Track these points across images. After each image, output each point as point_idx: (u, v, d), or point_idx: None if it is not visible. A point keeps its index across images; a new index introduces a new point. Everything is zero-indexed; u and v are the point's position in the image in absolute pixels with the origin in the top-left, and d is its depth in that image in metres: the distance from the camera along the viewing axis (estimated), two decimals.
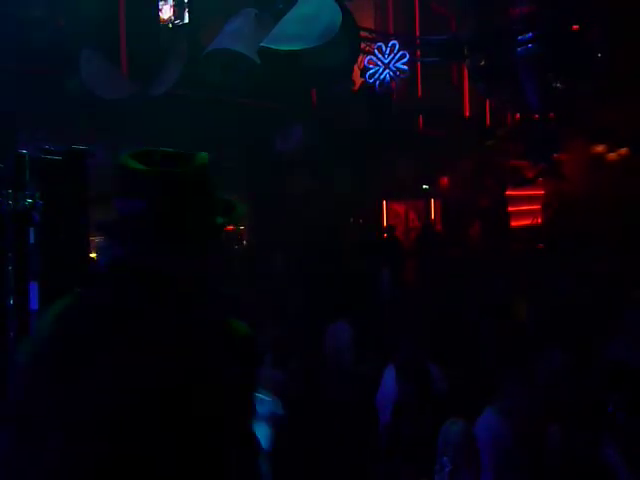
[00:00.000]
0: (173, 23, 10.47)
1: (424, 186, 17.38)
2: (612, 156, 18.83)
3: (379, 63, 10.19)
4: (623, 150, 18.72)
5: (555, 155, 15.17)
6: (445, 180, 18.06)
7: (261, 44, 7.02)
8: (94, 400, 1.28)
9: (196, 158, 1.46)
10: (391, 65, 10.09)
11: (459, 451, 3.26)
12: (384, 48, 10.24)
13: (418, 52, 12.69)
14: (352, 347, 5.88)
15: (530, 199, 20.03)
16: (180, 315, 1.37)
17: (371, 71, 10.20)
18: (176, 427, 1.30)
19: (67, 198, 3.42)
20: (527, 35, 11.20)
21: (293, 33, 6.78)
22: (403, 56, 10.12)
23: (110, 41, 9.94)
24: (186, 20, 10.21)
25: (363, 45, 10.89)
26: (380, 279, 8.54)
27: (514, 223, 18.19)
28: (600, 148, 18.73)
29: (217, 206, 1.45)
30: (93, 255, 8.29)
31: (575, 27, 11.17)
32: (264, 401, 1.71)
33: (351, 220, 15.44)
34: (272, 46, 6.93)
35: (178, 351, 1.32)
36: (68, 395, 1.29)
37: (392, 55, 10.12)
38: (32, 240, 2.88)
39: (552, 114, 12.39)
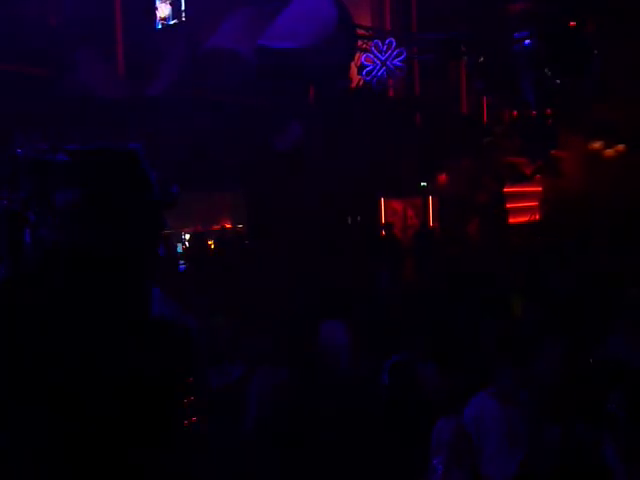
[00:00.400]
0: (169, 22, 10.45)
1: (422, 183, 17.38)
2: (609, 152, 18.86)
3: (376, 60, 10.19)
4: (620, 147, 18.74)
5: (552, 152, 15.19)
6: (443, 177, 18.06)
7: (257, 42, 7.02)
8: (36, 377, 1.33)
9: (123, 148, 1.54)
10: (388, 62, 10.09)
11: (452, 450, 3.25)
12: (381, 45, 10.24)
13: (415, 49, 12.69)
14: (349, 347, 5.86)
15: (528, 196, 20.05)
16: (111, 297, 1.42)
17: (368, 68, 10.21)
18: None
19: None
20: (524, 32, 11.21)
21: (289, 31, 6.78)
22: (400, 53, 10.12)
23: (106, 41, 9.91)
24: (182, 19, 10.20)
25: (360, 43, 10.88)
26: (378, 278, 8.54)
27: (512, 220, 18.20)
28: (597, 145, 18.75)
29: (147, 188, 1.50)
30: None
31: (572, 24, 11.18)
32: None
33: (349, 218, 15.44)
34: (268, 44, 6.93)
35: (105, 333, 1.37)
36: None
37: (389, 52, 10.12)
38: (28, 240, 2.86)
39: (549, 111, 12.40)
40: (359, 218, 15.73)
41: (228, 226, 14.65)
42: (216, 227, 14.25)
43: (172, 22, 10.41)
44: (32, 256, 1.49)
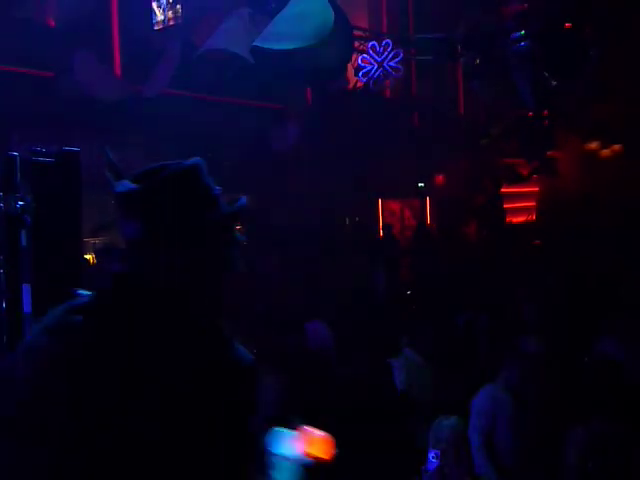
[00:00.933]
0: (166, 24, 10.45)
1: (419, 184, 17.39)
2: (606, 153, 18.88)
3: (373, 62, 10.20)
4: (617, 147, 18.76)
5: (549, 152, 15.22)
6: (440, 178, 18.08)
7: (254, 44, 7.02)
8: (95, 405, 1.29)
9: (184, 167, 1.47)
10: (385, 64, 10.10)
11: (450, 446, 3.25)
12: (378, 47, 10.25)
13: (412, 51, 12.71)
14: (334, 347, 5.88)
15: (525, 196, 20.07)
16: (177, 331, 1.36)
17: (365, 70, 10.21)
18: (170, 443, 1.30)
19: (59, 200, 3.41)
20: (520, 33, 11.23)
21: (285, 32, 6.78)
22: (397, 55, 10.13)
23: (103, 42, 9.92)
24: (179, 20, 10.20)
25: (357, 44, 10.89)
26: (376, 279, 8.56)
27: (510, 220, 18.21)
28: (594, 145, 18.77)
29: (212, 206, 1.44)
30: (88, 257, 8.30)
31: (567, 25, 11.20)
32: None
33: (347, 219, 15.45)
34: (265, 46, 6.93)
35: (175, 367, 1.32)
36: (71, 402, 1.29)
37: (386, 54, 10.13)
38: (24, 243, 2.87)
39: (546, 112, 12.42)
40: (357, 219, 15.74)
41: None
42: None
43: (169, 24, 10.40)
44: (104, 287, 1.45)
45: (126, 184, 1.42)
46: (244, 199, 1.50)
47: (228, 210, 1.47)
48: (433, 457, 3.12)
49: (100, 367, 1.30)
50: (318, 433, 1.75)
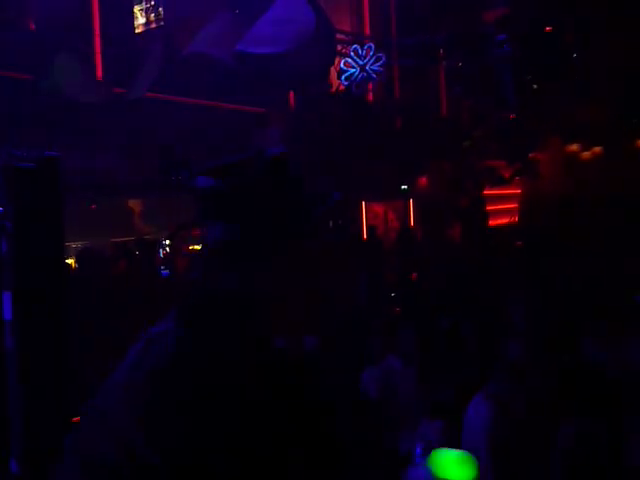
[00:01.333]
0: (148, 27, 10.42)
1: (403, 187, 17.45)
2: (587, 155, 19.06)
3: (355, 65, 10.23)
4: (598, 149, 18.95)
5: (531, 154, 15.34)
6: (423, 180, 18.15)
7: (235, 48, 7.02)
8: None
9: (267, 158, 1.29)
10: (367, 67, 10.13)
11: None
12: (360, 50, 10.29)
13: (395, 54, 12.76)
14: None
15: (507, 198, 20.20)
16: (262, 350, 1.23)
17: (347, 73, 10.24)
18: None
19: (40, 205, 3.39)
20: (502, 36, 11.32)
21: (267, 36, 6.79)
22: (379, 58, 10.17)
23: (85, 44, 9.86)
24: (161, 24, 10.17)
25: (339, 47, 10.92)
26: (358, 280, 8.57)
27: (492, 222, 18.32)
28: (575, 147, 18.94)
29: (305, 204, 1.29)
30: (70, 261, 8.23)
31: (549, 28, 11.32)
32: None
33: (330, 221, 15.44)
34: (246, 50, 6.93)
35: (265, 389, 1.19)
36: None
37: (368, 57, 10.17)
38: (4, 249, 2.85)
39: (527, 114, 12.53)
40: (340, 222, 15.74)
41: None
42: (198, 232, 14.17)
43: (151, 27, 10.37)
44: (198, 303, 1.26)
45: (208, 180, 1.24)
46: (338, 194, 1.35)
47: (321, 210, 1.31)
48: (419, 452, 3.12)
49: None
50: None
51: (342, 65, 10.33)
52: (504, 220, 18.93)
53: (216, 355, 1.17)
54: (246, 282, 1.21)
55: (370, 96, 14.34)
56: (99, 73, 10.07)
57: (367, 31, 15.56)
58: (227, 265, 1.22)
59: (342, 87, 10.92)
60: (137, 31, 10.61)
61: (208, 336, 1.18)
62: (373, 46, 10.27)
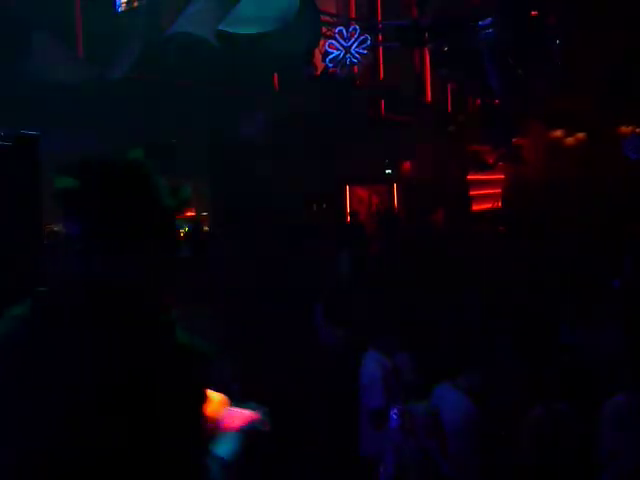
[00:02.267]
0: (130, 5, 10.27)
1: (387, 171, 17.45)
2: (570, 141, 19.18)
3: (340, 47, 10.16)
4: (581, 135, 19.07)
5: (515, 140, 15.39)
6: (407, 165, 18.16)
7: (218, 27, 6.93)
8: (43, 399, 1.30)
9: (129, 162, 1.44)
10: (352, 50, 10.07)
11: (425, 430, 3.24)
12: (345, 33, 10.22)
13: (380, 37, 12.69)
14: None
15: (491, 183, 20.29)
16: (125, 327, 1.36)
17: (332, 55, 10.17)
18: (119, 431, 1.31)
19: (18, 184, 3.34)
20: (487, 21, 11.29)
21: (250, 16, 6.71)
22: (364, 41, 10.11)
23: (65, 23, 9.70)
24: (143, 2, 10.01)
25: (324, 30, 10.84)
26: (340, 262, 8.59)
27: (476, 207, 18.41)
28: (558, 133, 19.05)
29: (158, 201, 1.42)
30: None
31: (534, 13, 11.30)
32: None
33: (315, 205, 15.43)
34: (229, 30, 6.85)
35: (121, 359, 1.33)
36: (21, 397, 1.32)
37: (353, 39, 10.10)
38: None
39: (512, 99, 12.55)
40: (324, 205, 15.74)
41: (191, 214, 14.53)
42: (179, 215, 14.11)
43: (133, 5, 10.22)
44: (52, 288, 1.44)
45: (66, 180, 1.37)
46: (188, 189, 1.50)
47: (173, 204, 1.45)
48: (395, 414, 3.12)
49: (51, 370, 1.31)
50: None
51: (327, 47, 10.26)
52: (487, 205, 19.03)
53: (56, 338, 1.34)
54: (97, 271, 1.37)
55: (355, 79, 14.29)
56: (80, 52, 9.92)
57: (352, 14, 15.46)
58: (81, 257, 1.38)
59: (328, 70, 10.86)
60: (119, 10, 10.46)
61: (51, 318, 1.35)
62: (358, 28, 10.21)
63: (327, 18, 11.46)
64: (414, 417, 3.22)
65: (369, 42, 10.19)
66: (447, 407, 3.54)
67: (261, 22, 6.74)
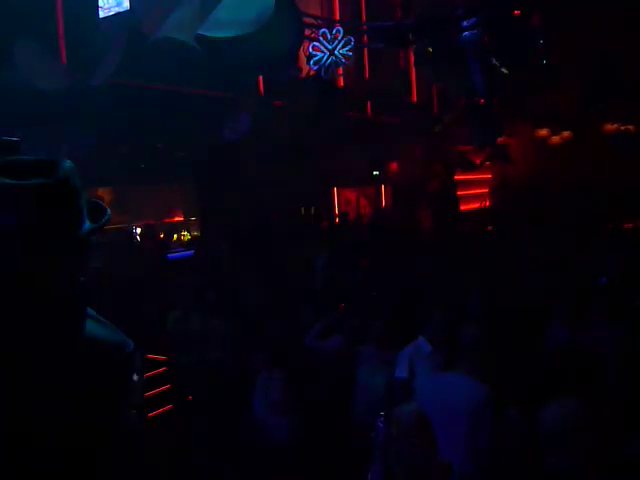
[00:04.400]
0: (112, 11, 10.20)
1: (374, 172, 17.47)
2: (555, 139, 19.27)
3: (323, 49, 10.14)
4: (566, 133, 19.17)
5: (500, 139, 15.43)
6: (395, 166, 18.19)
7: (197, 32, 6.91)
8: None
9: (59, 167, 1.40)
10: (336, 51, 10.05)
11: (414, 431, 3.23)
12: (329, 34, 10.19)
13: (364, 38, 12.68)
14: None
15: (478, 183, 20.37)
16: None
17: (316, 58, 10.15)
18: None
19: None
20: (471, 21, 11.31)
21: (227, 20, 6.68)
22: (348, 42, 10.09)
23: (47, 29, 9.63)
24: (126, 7, 9.95)
25: (308, 32, 10.81)
26: (315, 263, 8.62)
27: (463, 207, 18.47)
28: (544, 131, 19.14)
29: (81, 215, 1.41)
30: None
31: (517, 12, 11.34)
32: None
33: (302, 208, 15.42)
34: (207, 34, 6.82)
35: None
36: None
37: (337, 41, 10.08)
38: None
39: (496, 98, 12.58)
40: (312, 208, 15.74)
41: (179, 218, 14.50)
42: (167, 220, 14.12)
43: (115, 10, 10.15)
44: None
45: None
46: (108, 211, 1.47)
47: (92, 226, 1.42)
48: (380, 423, 3.11)
49: None
50: None
51: (311, 49, 10.23)
52: (475, 205, 19.09)
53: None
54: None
55: (340, 81, 14.29)
56: (63, 59, 9.86)
57: (337, 15, 15.47)
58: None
59: (312, 72, 10.83)
60: (102, 15, 10.39)
61: None
62: (342, 30, 10.18)
63: (311, 20, 11.44)
64: (400, 420, 3.20)
65: (353, 43, 10.16)
66: (452, 391, 3.73)
67: (236, 25, 6.71)
